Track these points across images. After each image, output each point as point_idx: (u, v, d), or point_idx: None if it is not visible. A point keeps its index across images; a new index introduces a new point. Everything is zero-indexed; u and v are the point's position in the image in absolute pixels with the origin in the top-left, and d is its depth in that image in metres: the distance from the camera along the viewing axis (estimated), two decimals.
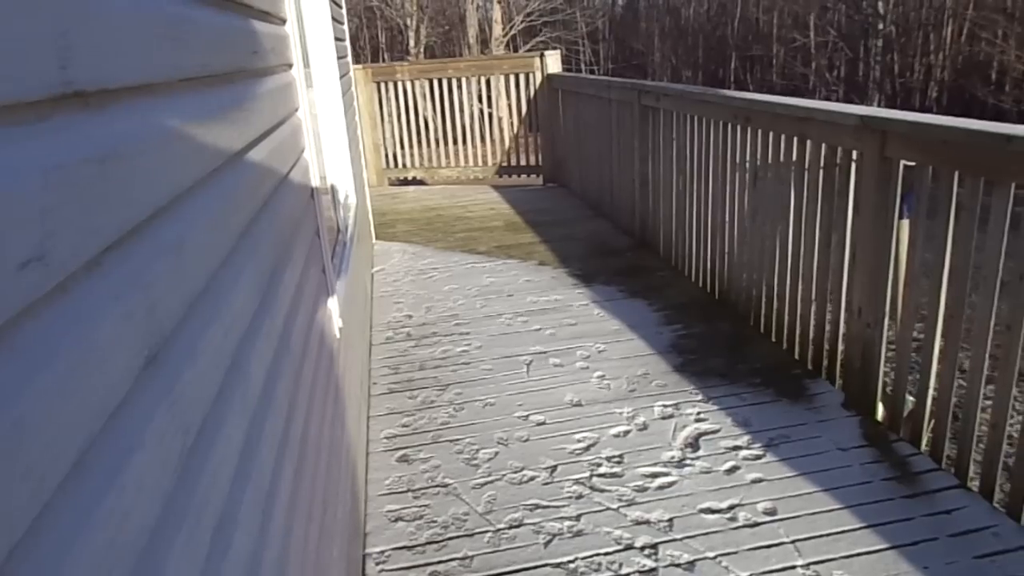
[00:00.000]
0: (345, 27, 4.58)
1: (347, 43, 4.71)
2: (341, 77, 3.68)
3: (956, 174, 2.18)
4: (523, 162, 7.38)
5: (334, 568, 1.63)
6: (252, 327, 1.04)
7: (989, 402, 2.13)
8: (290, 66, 1.75)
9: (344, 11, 4.57)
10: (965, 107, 17.29)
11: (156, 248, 0.65)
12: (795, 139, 2.98)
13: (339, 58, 3.59)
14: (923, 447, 2.44)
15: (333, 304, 2.08)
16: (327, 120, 3.15)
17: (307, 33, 2.71)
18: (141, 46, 0.67)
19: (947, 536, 2.05)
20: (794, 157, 3.00)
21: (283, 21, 1.71)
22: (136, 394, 0.58)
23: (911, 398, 2.52)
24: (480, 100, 7.30)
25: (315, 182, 1.92)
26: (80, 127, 0.52)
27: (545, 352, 3.44)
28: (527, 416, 2.88)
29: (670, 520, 2.21)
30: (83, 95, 0.52)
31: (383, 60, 23.43)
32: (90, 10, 0.54)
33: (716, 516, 2.22)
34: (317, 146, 2.86)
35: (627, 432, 2.72)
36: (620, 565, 2.05)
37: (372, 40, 26.03)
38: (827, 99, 18.91)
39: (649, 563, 2.05)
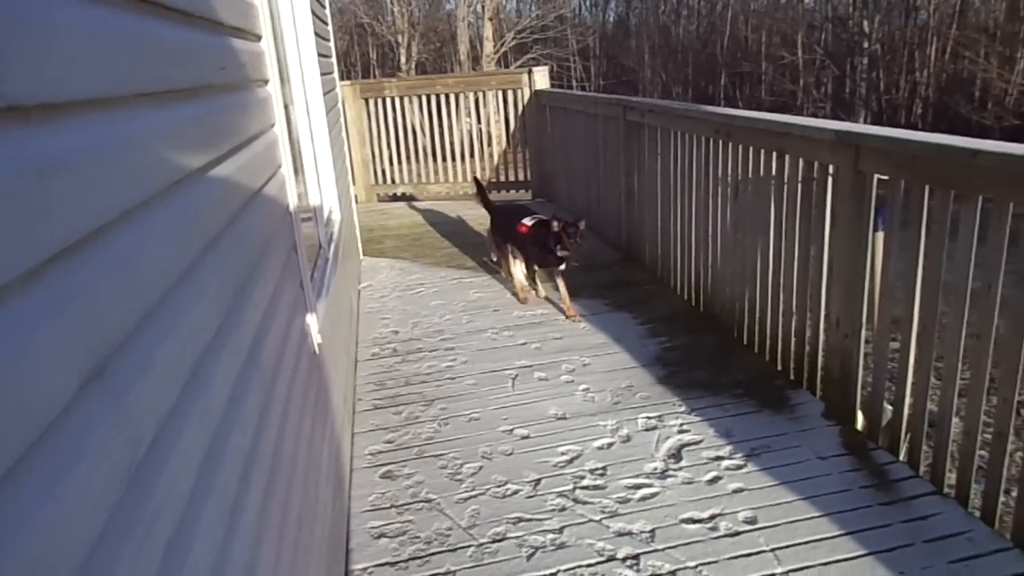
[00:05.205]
0: (331, 44, 4.62)
1: (333, 59, 4.74)
2: (326, 93, 3.71)
3: (927, 187, 2.21)
4: (512, 177, 7.42)
5: None
6: (216, 341, 1.05)
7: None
8: (266, 82, 1.77)
9: (330, 27, 4.61)
10: (950, 124, 17.45)
11: (105, 261, 0.66)
12: (774, 154, 3.02)
13: (324, 74, 3.62)
14: (901, 455, 2.46)
15: (312, 320, 2.08)
16: (310, 136, 3.17)
17: (287, 49, 2.73)
18: (91, 61, 0.68)
19: (923, 542, 2.07)
20: (773, 171, 3.04)
21: (258, 37, 1.72)
22: (78, 405, 0.58)
23: (889, 407, 2.54)
24: (469, 116, 7.35)
25: (292, 198, 1.94)
26: (17, 140, 0.53)
27: (530, 366, 3.45)
28: (512, 430, 2.89)
29: (652, 531, 2.22)
30: (21, 109, 0.53)
31: (374, 77, 23.55)
32: (24, 26, 0.55)
33: (697, 526, 2.23)
34: (298, 162, 2.87)
35: (611, 444, 2.73)
36: None
37: (363, 57, 26.17)
38: (814, 115, 19.10)
39: (631, 573, 2.05)
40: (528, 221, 4.06)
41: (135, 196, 0.76)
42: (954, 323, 2.13)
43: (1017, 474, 1.99)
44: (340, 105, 5.31)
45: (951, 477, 2.27)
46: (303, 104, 2.98)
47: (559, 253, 3.78)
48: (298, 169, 2.78)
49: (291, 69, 2.72)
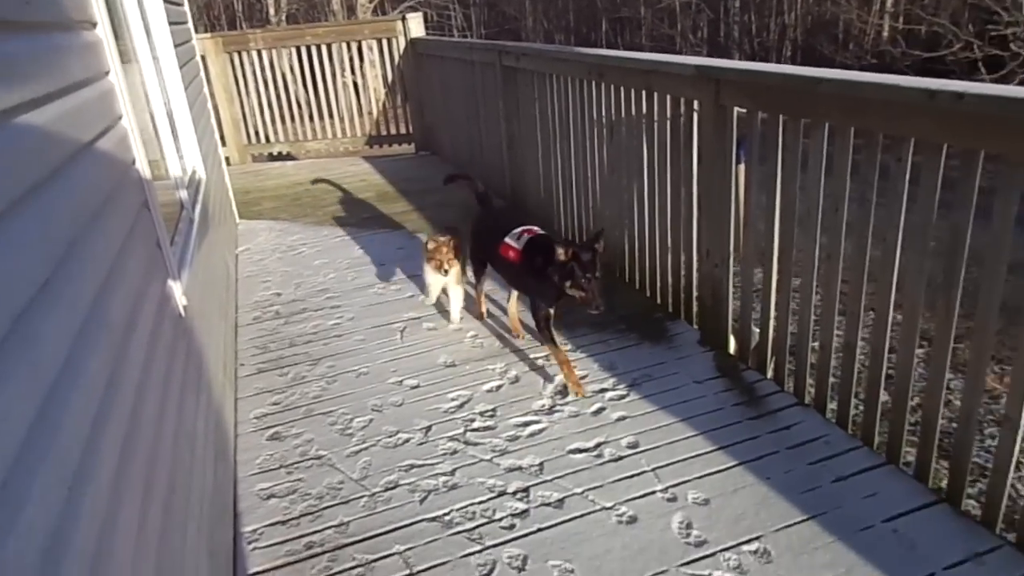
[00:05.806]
0: None
1: (185, 8, 4.41)
2: (179, 45, 3.45)
3: (781, 118, 2.32)
4: (394, 131, 7.24)
5: (189, 552, 1.57)
6: (44, 297, 0.97)
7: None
8: (93, 24, 1.61)
9: None
10: (816, 65, 18.32)
11: None
12: (644, 92, 3.08)
13: (174, 23, 3.36)
14: (768, 373, 2.64)
15: (174, 282, 1.97)
16: (161, 89, 2.95)
17: None
18: None
19: (786, 448, 2.24)
20: (644, 110, 3.10)
21: None
22: None
23: (756, 330, 2.71)
24: (344, 70, 7.07)
25: (139, 153, 1.80)
26: None
27: (419, 317, 3.44)
28: (401, 381, 2.88)
29: (541, 464, 2.29)
30: None
31: (240, 30, 22.09)
32: None
33: (584, 455, 2.31)
34: (149, 116, 2.67)
35: (500, 387, 2.78)
36: (494, 511, 2.10)
37: (228, 9, 24.43)
38: None
39: (521, 506, 2.11)
40: (513, 242, 2.90)
41: None
42: (808, 247, 2.28)
43: (866, 381, 2.17)
44: (199, 59, 4.97)
45: (812, 390, 2.45)
46: (147, 52, 2.75)
47: (570, 292, 2.62)
48: (149, 124, 2.59)
49: (129, 13, 2.50)
